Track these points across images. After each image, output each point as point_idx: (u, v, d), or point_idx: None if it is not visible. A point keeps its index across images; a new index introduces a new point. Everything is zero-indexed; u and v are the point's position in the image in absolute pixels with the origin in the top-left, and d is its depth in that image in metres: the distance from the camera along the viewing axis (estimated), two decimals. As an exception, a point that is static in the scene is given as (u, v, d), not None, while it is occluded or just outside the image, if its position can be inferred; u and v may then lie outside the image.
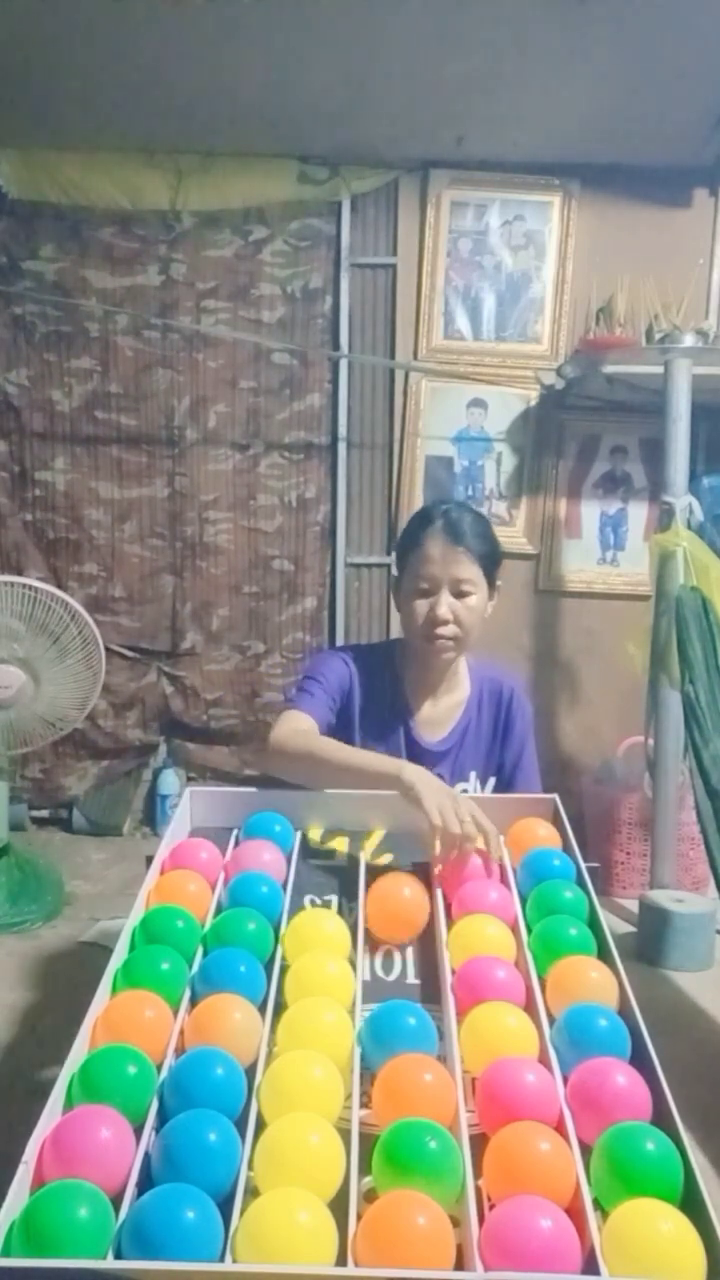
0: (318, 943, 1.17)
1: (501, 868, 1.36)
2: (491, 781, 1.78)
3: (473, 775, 1.76)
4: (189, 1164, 0.84)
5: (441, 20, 2.62)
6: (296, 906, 1.28)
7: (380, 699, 1.76)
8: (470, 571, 1.67)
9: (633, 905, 2.67)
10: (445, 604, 1.67)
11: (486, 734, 1.80)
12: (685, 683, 2.49)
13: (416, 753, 1.73)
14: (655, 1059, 0.98)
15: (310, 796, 1.51)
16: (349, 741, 1.68)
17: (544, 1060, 1.01)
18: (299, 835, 1.45)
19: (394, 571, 1.80)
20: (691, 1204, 0.84)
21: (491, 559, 1.71)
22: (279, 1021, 1.05)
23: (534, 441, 3.37)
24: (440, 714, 1.79)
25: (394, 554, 1.83)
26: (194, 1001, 1.07)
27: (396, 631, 3.42)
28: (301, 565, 3.43)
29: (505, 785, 1.78)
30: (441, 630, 1.67)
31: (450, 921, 1.26)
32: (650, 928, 2.48)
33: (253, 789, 1.53)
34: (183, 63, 2.79)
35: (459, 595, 1.68)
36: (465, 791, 1.70)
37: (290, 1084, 0.94)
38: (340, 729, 1.72)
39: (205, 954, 1.16)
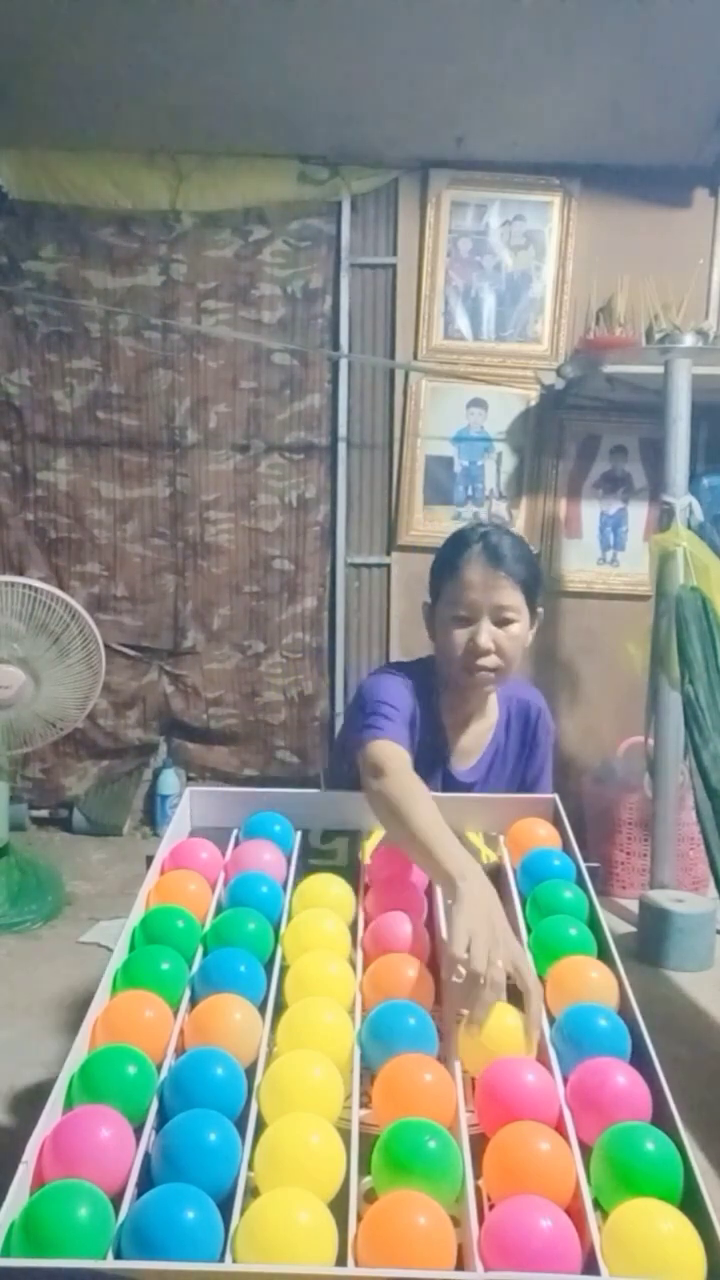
0: (318, 943, 1.17)
1: (541, 1047, 1.04)
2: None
3: None
4: (189, 1164, 0.84)
5: (442, 20, 2.62)
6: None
7: (424, 729, 1.66)
8: (512, 598, 1.58)
9: (633, 905, 2.67)
10: (486, 633, 1.57)
11: (513, 758, 1.74)
12: (685, 683, 2.49)
13: (450, 786, 1.67)
14: (655, 1059, 0.98)
15: (310, 796, 1.51)
16: None
17: (544, 1061, 1.01)
18: (299, 835, 1.45)
19: (427, 597, 1.69)
20: (691, 1204, 0.84)
21: (534, 584, 1.62)
22: (279, 1021, 1.05)
23: (534, 441, 3.37)
24: (471, 742, 1.72)
25: (428, 579, 1.70)
26: (194, 1001, 1.07)
27: (397, 632, 3.45)
28: (302, 565, 3.44)
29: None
30: (483, 661, 1.58)
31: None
32: (650, 928, 2.48)
33: (253, 789, 1.53)
34: (183, 63, 2.79)
35: (501, 624, 1.58)
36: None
37: (290, 1084, 0.94)
38: None
39: (205, 954, 1.16)
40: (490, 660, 1.58)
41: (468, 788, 1.69)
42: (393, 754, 1.47)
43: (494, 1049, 1.01)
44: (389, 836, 1.38)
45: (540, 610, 1.66)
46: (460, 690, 1.66)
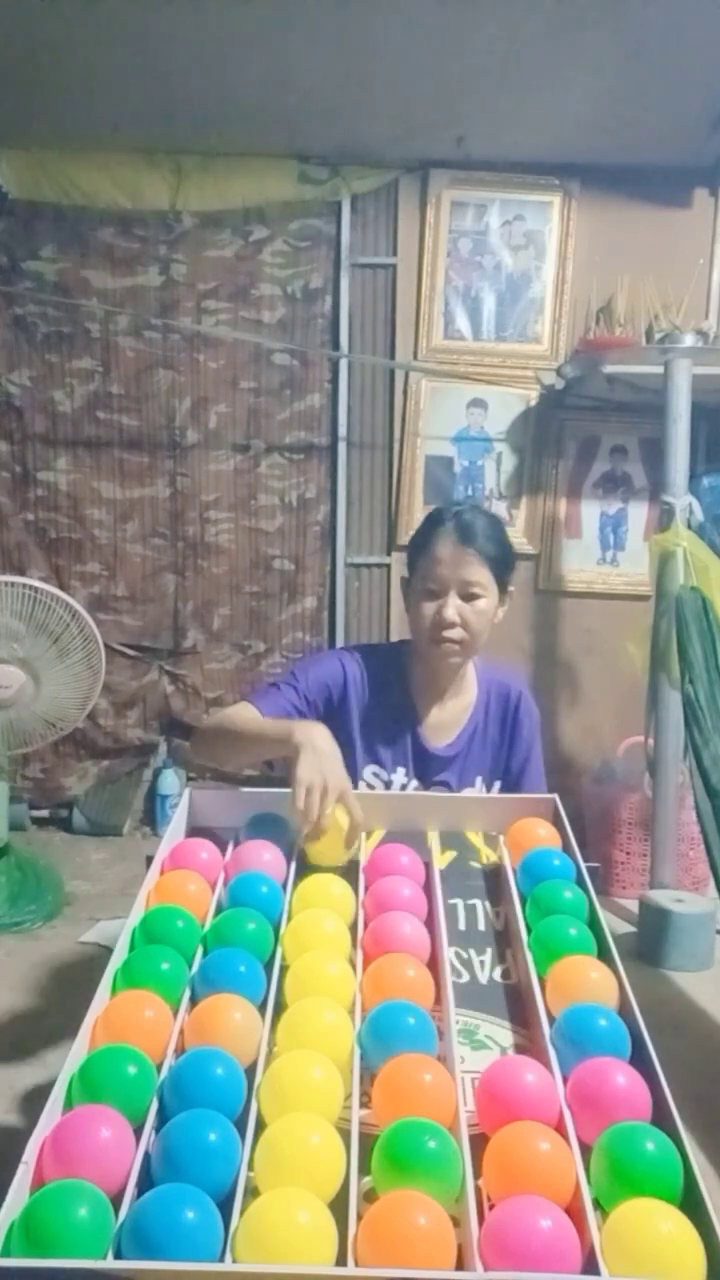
0: (318, 943, 1.17)
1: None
2: (497, 785, 1.76)
3: (479, 780, 1.75)
4: (189, 1164, 0.84)
5: (441, 20, 2.62)
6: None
7: (386, 702, 1.72)
8: (480, 574, 1.62)
9: (633, 905, 2.67)
10: (453, 607, 1.61)
11: (494, 738, 1.77)
12: (685, 683, 2.49)
13: (423, 757, 1.70)
14: (655, 1059, 0.98)
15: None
16: (349, 746, 1.65)
17: (544, 1061, 1.01)
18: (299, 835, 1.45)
19: (404, 573, 1.76)
20: (691, 1204, 0.84)
21: (503, 562, 1.65)
22: (279, 1021, 1.04)
23: (534, 441, 3.37)
24: (447, 718, 1.75)
25: (405, 555, 1.77)
26: (194, 1001, 1.07)
27: (397, 632, 3.44)
28: (302, 565, 3.44)
29: (512, 789, 1.76)
30: (448, 634, 1.62)
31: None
32: (650, 928, 2.49)
33: (253, 789, 1.53)
34: (183, 63, 2.79)
35: (467, 598, 1.62)
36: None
37: (290, 1084, 0.93)
38: (335, 731, 1.63)
39: (205, 954, 1.16)
40: (455, 633, 1.63)
41: (446, 762, 1.72)
42: (238, 708, 1.62)
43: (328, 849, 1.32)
44: (227, 759, 1.58)
45: (511, 589, 1.70)
46: (430, 663, 1.70)
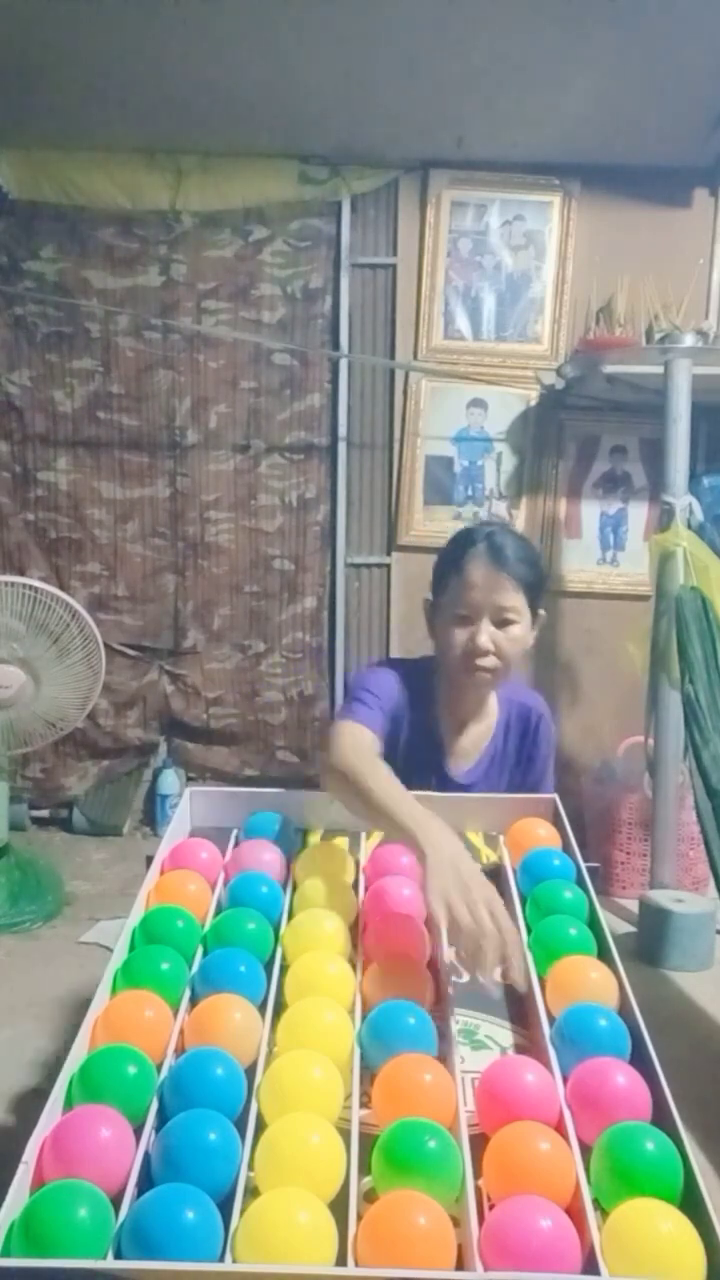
0: (318, 943, 1.17)
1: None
2: None
3: None
4: (189, 1164, 0.84)
5: (441, 20, 2.61)
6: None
7: (418, 728, 1.66)
8: (513, 599, 1.57)
9: (633, 905, 2.67)
10: (486, 633, 1.56)
11: (511, 762, 1.73)
12: (685, 683, 2.49)
13: (445, 785, 1.66)
14: (655, 1059, 0.98)
15: (310, 796, 1.51)
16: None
17: (544, 1061, 1.01)
18: (299, 835, 1.45)
19: (429, 595, 1.68)
20: (691, 1204, 0.84)
21: (536, 586, 1.61)
22: (279, 1021, 1.04)
23: (534, 441, 3.37)
24: (469, 744, 1.71)
25: (431, 575, 1.69)
26: (194, 1001, 1.07)
27: (397, 632, 3.45)
28: (302, 565, 3.44)
29: None
30: (481, 662, 1.57)
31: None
32: (650, 928, 2.48)
33: (253, 789, 1.53)
34: (183, 63, 2.79)
35: (500, 624, 1.57)
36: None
37: (290, 1084, 0.94)
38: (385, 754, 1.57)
39: (205, 954, 1.16)
40: (489, 661, 1.58)
41: (464, 789, 1.68)
42: (356, 733, 1.47)
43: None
44: (352, 811, 1.39)
45: (542, 612, 1.65)
46: (458, 689, 1.65)
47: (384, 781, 1.35)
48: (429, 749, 1.67)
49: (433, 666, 1.70)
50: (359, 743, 1.46)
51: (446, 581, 1.62)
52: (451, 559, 1.62)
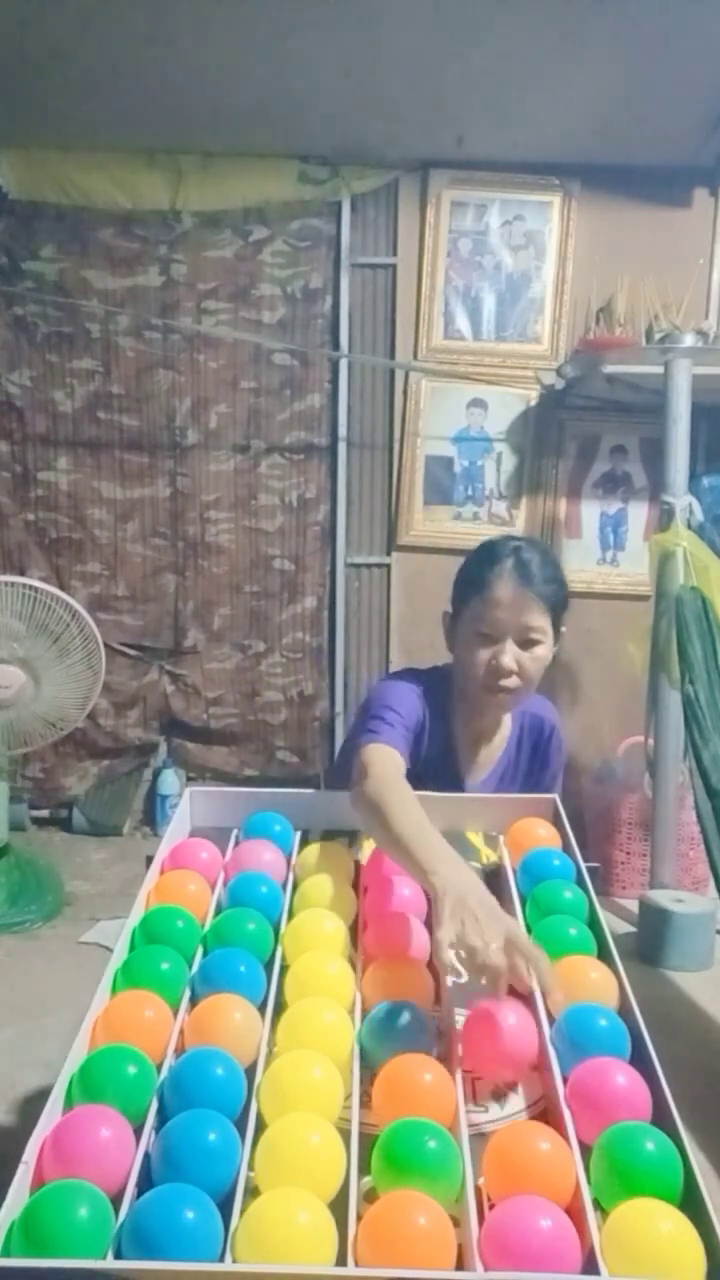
0: (318, 943, 1.17)
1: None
2: None
3: None
4: (189, 1164, 0.84)
5: (442, 20, 2.62)
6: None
7: (437, 740, 1.62)
8: (540, 620, 1.52)
9: (633, 905, 2.67)
10: (510, 654, 1.52)
11: (522, 774, 1.72)
12: (685, 683, 2.49)
13: None
14: (655, 1059, 0.98)
15: (310, 796, 1.51)
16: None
17: (544, 1063, 1.01)
18: (299, 835, 1.45)
19: (448, 608, 1.63)
20: (691, 1204, 0.84)
21: (561, 605, 1.56)
22: (279, 1021, 1.04)
23: (534, 441, 3.37)
24: (483, 759, 1.69)
25: (451, 587, 1.62)
26: (194, 1001, 1.07)
27: (397, 632, 3.45)
28: (302, 565, 3.44)
29: None
30: (505, 682, 1.53)
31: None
32: (650, 928, 2.49)
33: (253, 789, 1.53)
34: (183, 63, 2.79)
35: (525, 645, 1.53)
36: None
37: (290, 1084, 0.93)
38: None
39: (205, 954, 1.16)
40: (512, 682, 1.54)
41: None
42: (383, 757, 1.43)
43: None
44: (374, 840, 1.35)
45: (564, 629, 1.61)
46: (477, 706, 1.62)
47: (407, 815, 1.28)
48: (447, 761, 1.65)
49: (449, 677, 1.67)
50: (388, 771, 1.41)
51: (470, 597, 1.56)
52: (476, 574, 1.56)
